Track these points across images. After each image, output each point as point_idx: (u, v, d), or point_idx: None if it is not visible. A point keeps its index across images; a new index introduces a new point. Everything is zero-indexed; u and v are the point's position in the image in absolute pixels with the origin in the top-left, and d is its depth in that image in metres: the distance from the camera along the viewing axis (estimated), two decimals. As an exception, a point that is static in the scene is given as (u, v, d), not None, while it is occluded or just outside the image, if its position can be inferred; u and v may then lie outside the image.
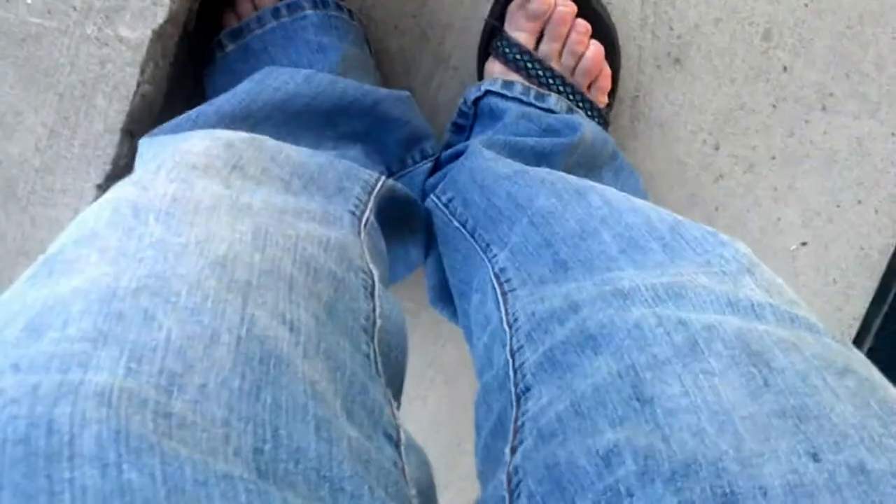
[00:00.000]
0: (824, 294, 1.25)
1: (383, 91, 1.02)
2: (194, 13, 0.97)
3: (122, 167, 0.94)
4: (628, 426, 0.57)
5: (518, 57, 1.10)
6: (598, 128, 1.08)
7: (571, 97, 1.11)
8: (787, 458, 0.50)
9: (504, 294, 0.82)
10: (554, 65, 1.11)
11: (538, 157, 1.00)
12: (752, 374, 0.56)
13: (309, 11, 1.04)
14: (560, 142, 1.01)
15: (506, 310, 0.80)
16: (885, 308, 1.25)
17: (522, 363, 0.72)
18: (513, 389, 0.72)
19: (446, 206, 0.98)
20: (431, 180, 1.06)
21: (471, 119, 1.11)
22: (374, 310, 0.68)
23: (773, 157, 1.19)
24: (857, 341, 1.28)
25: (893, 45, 1.15)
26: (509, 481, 0.64)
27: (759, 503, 0.48)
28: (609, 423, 0.58)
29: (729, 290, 0.65)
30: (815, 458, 0.50)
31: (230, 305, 0.53)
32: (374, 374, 0.63)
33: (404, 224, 1.00)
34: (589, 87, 1.13)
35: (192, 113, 0.90)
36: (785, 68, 1.16)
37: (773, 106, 1.17)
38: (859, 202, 1.21)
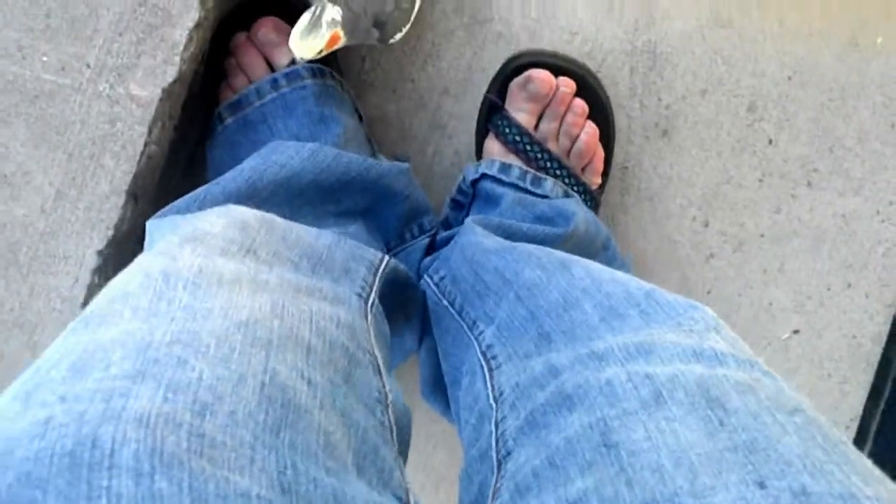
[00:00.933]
0: (820, 389, 1.27)
1: (385, 164, 1.04)
2: (200, 75, 0.99)
3: (123, 232, 0.95)
4: (596, 471, 0.62)
5: (518, 139, 1.13)
6: (592, 215, 1.12)
7: (567, 180, 1.13)
8: (737, 487, 0.55)
9: (491, 371, 0.86)
10: (551, 146, 1.14)
11: (530, 243, 1.02)
12: (710, 416, 0.61)
13: (308, 81, 1.06)
14: (553, 231, 1.04)
15: (492, 385, 0.84)
16: (882, 405, 1.27)
17: (504, 430, 0.77)
18: (494, 457, 0.77)
19: (437, 284, 1.01)
20: (426, 261, 1.08)
21: (469, 197, 1.14)
22: (384, 386, 0.72)
23: (762, 235, 1.22)
24: (857, 443, 1.29)
25: (874, 119, 1.19)
26: None
27: None
28: (579, 471, 0.64)
29: (695, 343, 0.70)
30: (761, 485, 0.55)
31: (254, 357, 0.57)
32: (388, 439, 0.68)
33: (402, 309, 1.02)
34: (584, 168, 1.16)
35: (200, 192, 0.92)
36: (770, 141, 1.19)
37: (760, 180, 1.21)
38: (849, 286, 1.24)
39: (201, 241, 0.71)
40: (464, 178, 1.14)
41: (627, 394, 0.66)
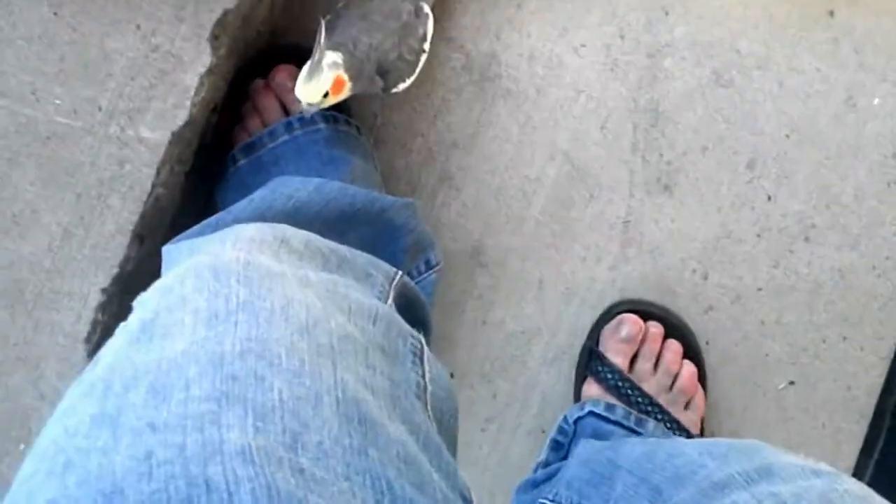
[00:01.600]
0: (814, 439, 1.28)
1: (390, 198, 1.06)
2: (212, 125, 1.02)
3: (128, 271, 0.97)
4: None
5: (620, 383, 1.17)
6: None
7: (668, 425, 1.16)
8: None
9: None
10: (648, 387, 1.18)
11: None
12: None
13: (321, 125, 1.09)
14: None
15: None
16: (876, 456, 1.27)
17: None
18: None
19: (553, 499, 1.05)
20: (524, 496, 1.14)
21: (570, 437, 1.16)
22: (423, 375, 0.72)
23: (760, 289, 1.24)
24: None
25: (871, 177, 1.21)
26: None
27: None
28: None
29: (811, 464, 0.72)
30: None
31: (324, 369, 0.58)
32: (438, 435, 0.68)
33: (411, 325, 1.03)
34: (686, 405, 1.20)
35: (212, 219, 0.94)
36: (769, 197, 1.22)
37: (758, 235, 1.23)
38: (844, 338, 1.25)
39: (237, 238, 0.72)
40: (565, 419, 1.17)
41: None
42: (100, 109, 0.93)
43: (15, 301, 0.96)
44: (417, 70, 1.10)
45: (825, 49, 1.19)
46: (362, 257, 0.87)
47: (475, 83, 1.22)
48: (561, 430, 1.17)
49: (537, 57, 1.22)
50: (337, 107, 1.04)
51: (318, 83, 0.94)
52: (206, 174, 1.08)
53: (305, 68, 0.94)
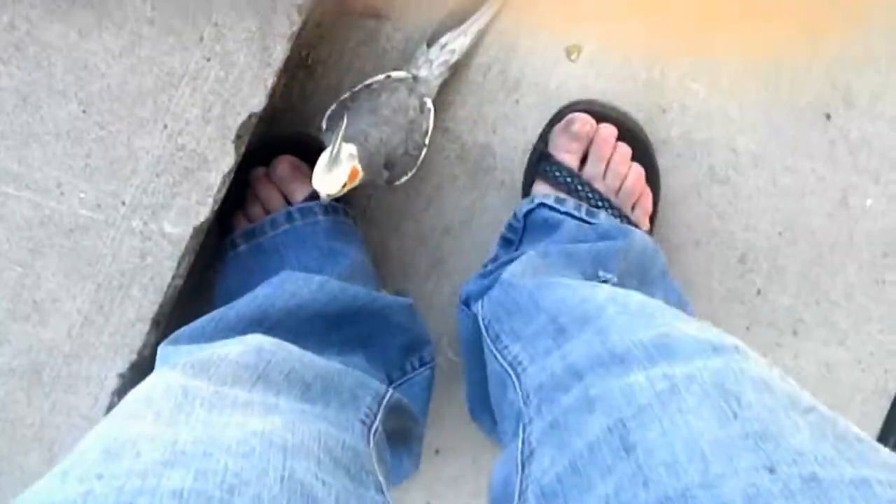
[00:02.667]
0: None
1: (389, 297, 1.13)
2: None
3: (146, 357, 1.03)
4: (615, 474, 0.64)
5: (569, 179, 1.18)
6: (650, 240, 1.16)
7: (619, 219, 1.18)
8: (747, 473, 0.57)
9: (518, 376, 0.90)
10: (598, 186, 1.19)
11: (594, 261, 1.08)
12: (723, 407, 0.63)
13: (321, 217, 1.14)
14: (614, 244, 1.09)
15: (521, 390, 0.88)
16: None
17: (530, 433, 0.80)
18: (518, 458, 0.79)
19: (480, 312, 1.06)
20: (472, 286, 1.14)
21: (520, 233, 1.18)
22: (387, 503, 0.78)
23: (746, 377, 1.28)
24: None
25: (860, 275, 1.28)
26: None
27: None
28: (600, 476, 0.66)
29: (714, 337, 0.73)
30: (771, 471, 0.56)
31: (273, 456, 0.64)
32: None
33: (402, 438, 1.08)
34: (632, 208, 1.21)
35: (216, 314, 1.00)
36: (759, 291, 1.26)
37: (747, 328, 1.28)
38: (826, 428, 1.29)
39: (217, 365, 0.79)
40: (514, 215, 1.19)
41: (645, 391, 0.68)
42: (123, 204, 0.98)
43: (33, 383, 1.01)
44: (419, 163, 1.16)
45: (821, 150, 1.26)
46: (352, 378, 0.93)
47: (469, 173, 1.28)
48: (510, 227, 1.19)
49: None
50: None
51: (338, 174, 0.97)
52: (203, 250, 1.12)
53: (323, 160, 0.97)
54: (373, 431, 0.88)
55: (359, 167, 1.00)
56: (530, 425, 0.80)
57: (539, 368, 0.86)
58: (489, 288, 1.07)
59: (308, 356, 0.89)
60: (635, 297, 0.87)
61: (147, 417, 0.66)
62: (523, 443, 0.80)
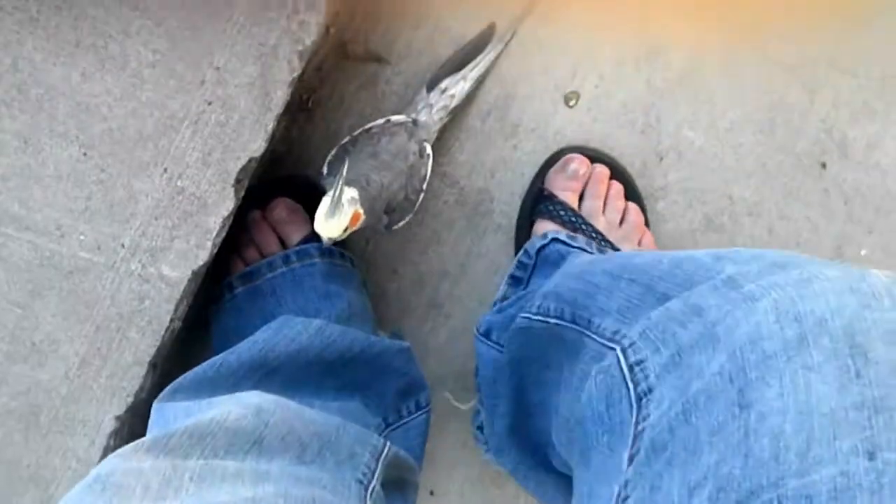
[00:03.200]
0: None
1: (387, 341, 1.12)
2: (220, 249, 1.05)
3: (142, 399, 1.03)
4: (722, 437, 0.59)
5: (572, 219, 1.17)
6: None
7: None
8: (846, 458, 0.52)
9: (619, 344, 0.80)
10: (599, 224, 1.19)
11: None
12: (848, 365, 0.57)
13: (317, 259, 1.14)
14: None
15: (623, 356, 0.78)
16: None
17: (644, 367, 0.72)
18: (633, 390, 0.72)
19: (538, 312, 0.98)
20: (492, 318, 1.12)
21: (530, 270, 1.15)
22: None
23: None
24: None
25: None
26: (619, 495, 0.68)
27: None
28: (708, 435, 0.61)
29: (853, 280, 0.64)
30: (870, 456, 0.52)
31: None
32: None
33: (399, 486, 1.06)
34: (638, 243, 1.21)
35: (216, 360, 0.99)
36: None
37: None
38: None
39: (214, 435, 0.77)
40: (526, 252, 1.16)
41: (773, 335, 0.61)
42: (123, 246, 0.97)
43: (30, 425, 1.01)
44: (416, 208, 1.15)
45: (816, 199, 1.26)
46: (350, 434, 0.91)
47: (467, 217, 1.29)
48: (520, 265, 1.16)
49: (531, 196, 1.27)
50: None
51: (340, 219, 0.97)
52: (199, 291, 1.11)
53: (325, 205, 0.96)
54: (370, 491, 0.86)
55: (361, 211, 0.99)
56: (645, 362, 0.72)
57: (643, 324, 0.76)
58: (513, 318, 1.03)
59: (307, 413, 0.88)
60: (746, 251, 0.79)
61: (136, 491, 0.65)
62: (635, 375, 0.72)
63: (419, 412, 1.15)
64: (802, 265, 0.68)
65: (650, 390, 0.69)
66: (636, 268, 0.85)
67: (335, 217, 0.96)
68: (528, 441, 1.09)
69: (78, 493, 0.67)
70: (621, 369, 0.74)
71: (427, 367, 1.28)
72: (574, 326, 0.90)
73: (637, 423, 0.69)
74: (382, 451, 0.93)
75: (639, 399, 0.70)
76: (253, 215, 1.18)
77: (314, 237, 1.16)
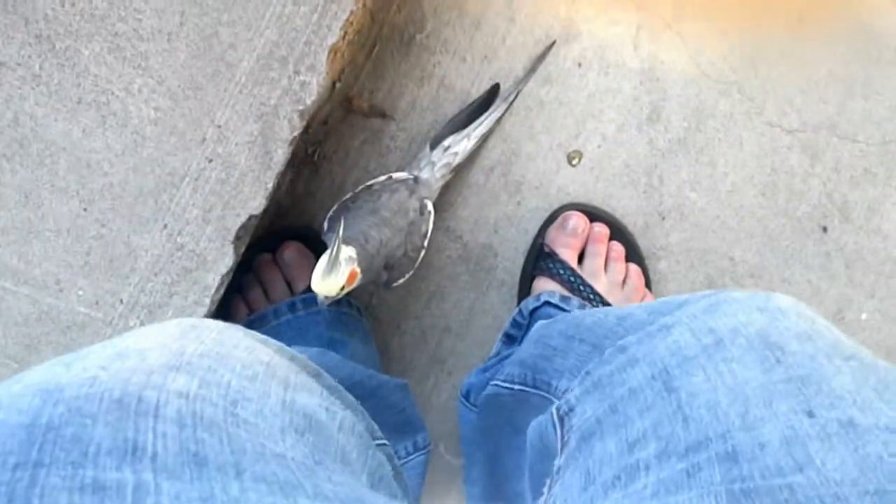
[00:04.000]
0: None
1: (385, 377, 1.11)
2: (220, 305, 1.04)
3: None
4: (654, 411, 0.64)
5: (571, 279, 1.17)
6: None
7: None
8: (786, 416, 0.56)
9: (557, 396, 0.89)
10: (599, 285, 1.19)
11: None
12: (767, 356, 0.62)
13: (323, 308, 1.12)
14: None
15: (557, 400, 0.85)
16: None
17: (568, 398, 0.77)
18: (555, 414, 0.77)
19: (504, 380, 1.03)
20: (473, 379, 1.13)
21: (524, 329, 1.17)
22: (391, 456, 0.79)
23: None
24: None
25: None
26: (551, 480, 0.74)
27: (757, 455, 0.55)
28: (639, 413, 0.66)
29: (759, 302, 0.70)
30: (810, 414, 0.56)
31: (275, 386, 0.63)
32: (399, 485, 0.76)
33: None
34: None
35: None
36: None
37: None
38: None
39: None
40: (520, 311, 1.17)
41: (690, 344, 0.67)
42: (121, 302, 0.96)
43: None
44: (416, 265, 1.14)
45: (817, 262, 1.25)
46: (352, 399, 0.88)
47: (471, 272, 1.28)
48: (514, 324, 1.18)
49: (534, 253, 1.26)
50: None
51: (337, 277, 0.96)
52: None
53: (322, 264, 0.95)
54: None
55: (357, 270, 0.98)
56: (568, 392, 0.78)
57: (578, 376, 0.82)
58: (489, 381, 1.05)
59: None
60: (677, 298, 0.84)
61: (157, 338, 0.63)
62: (559, 406, 0.78)
63: (417, 453, 1.13)
64: (711, 295, 0.74)
65: (571, 410, 0.76)
66: (587, 328, 0.90)
67: (332, 275, 0.95)
68: None
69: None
70: (551, 411, 0.79)
71: (429, 422, 1.25)
72: (536, 391, 0.96)
73: (562, 435, 0.75)
74: (380, 437, 0.91)
75: (561, 419, 0.76)
76: (262, 258, 1.18)
77: (320, 289, 1.15)
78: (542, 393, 0.95)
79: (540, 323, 1.05)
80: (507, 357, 1.09)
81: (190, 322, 0.69)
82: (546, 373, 0.94)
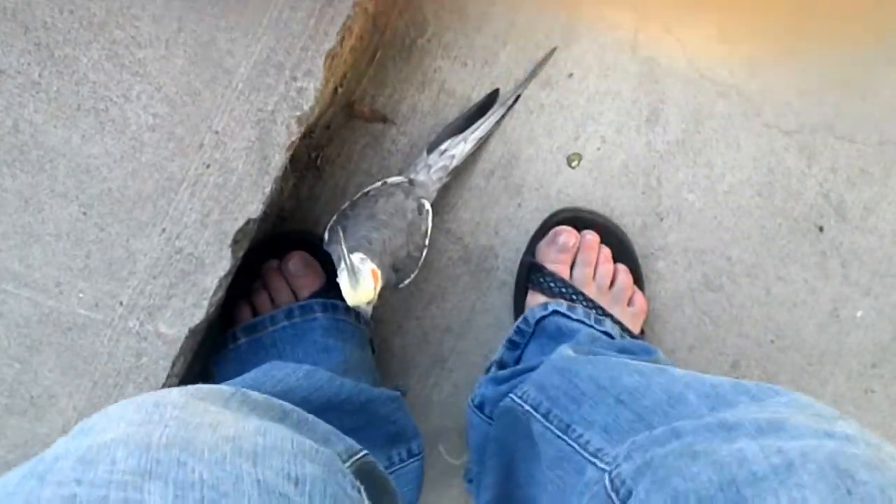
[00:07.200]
0: None
1: (376, 390, 1.08)
2: (219, 307, 1.01)
3: None
4: None
5: (563, 290, 1.16)
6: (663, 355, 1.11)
7: (617, 325, 1.15)
8: None
9: (607, 465, 0.82)
10: (589, 292, 1.17)
11: None
12: (838, 485, 0.59)
13: (319, 315, 1.12)
14: (637, 358, 1.03)
15: (610, 480, 0.79)
16: None
17: (620, 473, 0.74)
18: (608, 485, 0.74)
19: (520, 396, 1.00)
20: (487, 391, 1.10)
21: (527, 337, 1.15)
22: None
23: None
24: None
25: (849, 384, 1.25)
26: None
27: None
28: None
29: (825, 426, 0.67)
30: None
31: (245, 463, 0.60)
32: None
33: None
34: (628, 302, 1.19)
35: None
36: (751, 397, 1.21)
37: (739, 430, 1.22)
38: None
39: (197, 388, 0.75)
40: (525, 319, 1.14)
41: (759, 460, 0.63)
42: (121, 304, 0.94)
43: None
44: (420, 264, 1.12)
45: (813, 261, 1.22)
46: (325, 427, 0.86)
47: (472, 273, 1.26)
48: (519, 331, 1.15)
49: (535, 253, 1.24)
50: (338, 294, 1.02)
51: (365, 283, 0.93)
52: (205, 344, 1.09)
53: (345, 280, 0.93)
54: (347, 465, 0.81)
55: (375, 267, 0.96)
56: (617, 469, 0.75)
57: (630, 443, 0.78)
58: (505, 395, 1.03)
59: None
60: (712, 381, 0.82)
61: (120, 425, 0.62)
62: (613, 482, 0.74)
63: (410, 460, 1.11)
64: (769, 395, 0.74)
65: (627, 490, 0.71)
66: (627, 391, 0.87)
67: (360, 285, 0.93)
68: None
69: (56, 443, 0.65)
70: (605, 484, 0.75)
71: (429, 421, 1.26)
72: (547, 424, 0.93)
73: None
74: (356, 453, 0.87)
75: (616, 491, 0.72)
76: (269, 264, 1.16)
77: (325, 291, 1.14)
78: (554, 429, 0.92)
79: (565, 349, 1.02)
80: (522, 372, 1.06)
81: (152, 400, 0.67)
82: (568, 412, 0.91)
